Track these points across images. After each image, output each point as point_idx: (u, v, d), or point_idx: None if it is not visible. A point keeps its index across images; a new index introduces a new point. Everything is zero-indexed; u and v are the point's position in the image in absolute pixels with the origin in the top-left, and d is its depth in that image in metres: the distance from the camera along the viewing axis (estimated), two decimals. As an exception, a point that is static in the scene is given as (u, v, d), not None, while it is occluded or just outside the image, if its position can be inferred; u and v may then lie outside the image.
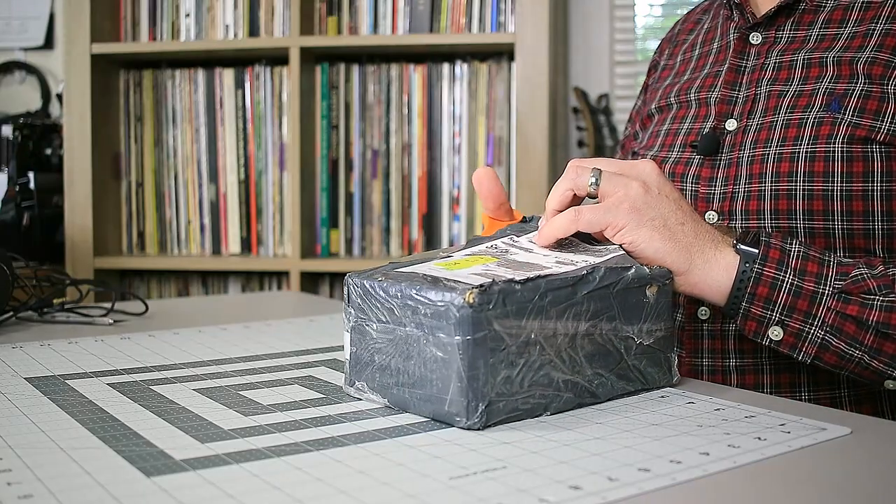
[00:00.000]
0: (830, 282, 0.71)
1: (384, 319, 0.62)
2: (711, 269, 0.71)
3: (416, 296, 0.60)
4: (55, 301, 1.04)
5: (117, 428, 0.58)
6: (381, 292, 0.62)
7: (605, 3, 2.37)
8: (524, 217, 0.79)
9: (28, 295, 1.02)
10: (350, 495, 0.46)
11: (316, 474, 0.49)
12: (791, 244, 0.73)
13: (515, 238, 0.74)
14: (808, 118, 0.84)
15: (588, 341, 0.63)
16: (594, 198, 0.71)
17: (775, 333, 0.72)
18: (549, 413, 0.61)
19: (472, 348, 0.57)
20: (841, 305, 0.71)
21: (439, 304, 0.58)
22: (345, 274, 0.67)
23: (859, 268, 0.72)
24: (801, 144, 0.83)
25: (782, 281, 0.71)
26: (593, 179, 0.70)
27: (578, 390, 0.63)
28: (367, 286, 0.63)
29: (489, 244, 0.73)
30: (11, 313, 0.99)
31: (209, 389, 0.69)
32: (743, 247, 0.72)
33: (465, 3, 2.12)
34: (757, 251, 0.72)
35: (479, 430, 0.58)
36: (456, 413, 0.58)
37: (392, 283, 0.62)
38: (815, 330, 0.71)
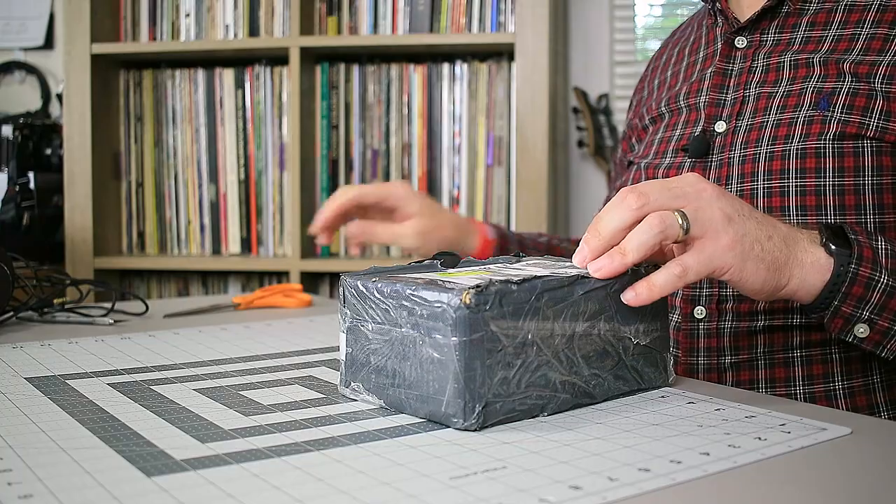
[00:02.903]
0: None
1: (380, 320, 0.62)
2: (807, 274, 0.69)
3: (412, 296, 0.60)
4: (55, 301, 1.04)
5: (117, 428, 0.58)
6: (376, 293, 0.62)
7: (605, 3, 2.37)
8: (517, 253, 0.78)
9: (28, 295, 1.02)
10: (350, 495, 0.46)
11: (316, 474, 0.49)
12: (878, 241, 0.72)
13: (509, 264, 0.73)
14: (798, 117, 0.85)
15: (585, 342, 0.63)
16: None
17: (861, 331, 0.71)
18: (546, 414, 0.61)
19: (469, 349, 0.57)
20: None
21: (436, 304, 0.58)
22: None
23: None
24: (791, 142, 0.85)
25: (877, 281, 0.70)
26: (684, 225, 0.63)
27: (575, 391, 0.63)
28: (363, 287, 0.63)
29: (485, 267, 0.72)
30: (11, 313, 0.99)
31: (209, 389, 0.69)
32: (835, 246, 0.70)
33: (465, 3, 2.12)
34: (849, 251, 0.70)
35: (475, 431, 0.58)
36: (453, 414, 0.58)
37: (387, 283, 0.62)
38: None
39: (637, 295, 0.63)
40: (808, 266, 0.69)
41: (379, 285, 0.62)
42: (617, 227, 0.63)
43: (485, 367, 0.57)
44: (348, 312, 0.65)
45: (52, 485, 0.47)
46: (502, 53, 2.13)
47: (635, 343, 0.66)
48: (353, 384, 0.65)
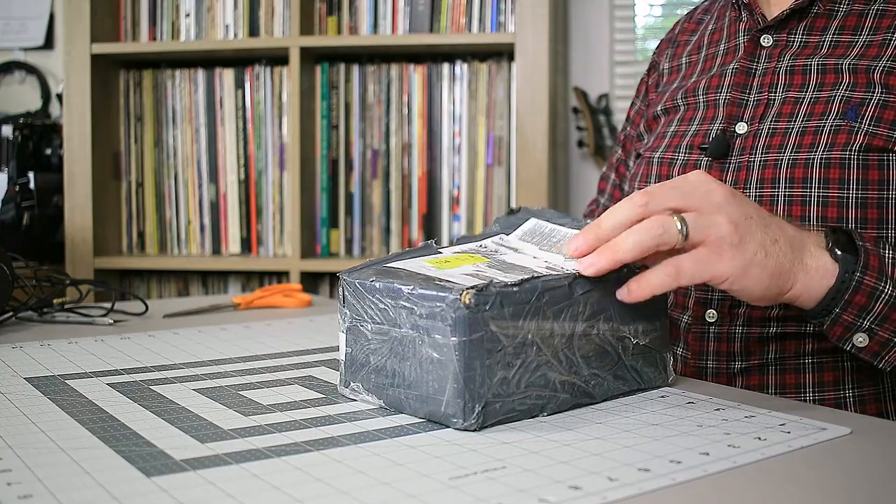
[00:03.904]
0: None
1: (379, 320, 0.62)
2: (812, 278, 0.68)
3: (411, 296, 0.59)
4: (55, 301, 1.04)
5: (117, 428, 0.58)
6: (375, 293, 0.62)
7: (605, 3, 2.37)
8: (510, 209, 0.78)
9: (28, 295, 1.02)
10: (350, 495, 0.46)
11: (316, 474, 0.49)
12: (885, 250, 0.70)
13: (504, 237, 0.73)
14: (824, 126, 0.84)
15: (585, 342, 0.63)
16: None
17: (860, 340, 0.70)
18: (545, 414, 0.61)
19: (469, 349, 0.57)
20: None
21: (435, 305, 0.58)
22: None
23: None
24: (816, 151, 0.83)
25: (881, 291, 0.69)
26: (683, 230, 0.62)
27: (575, 391, 0.63)
28: (361, 286, 0.63)
29: (478, 243, 0.73)
30: (11, 313, 0.99)
31: (209, 389, 0.69)
32: (840, 252, 0.69)
33: (465, 3, 2.12)
34: (856, 258, 0.68)
35: (475, 431, 0.58)
36: (452, 414, 0.58)
37: (386, 283, 0.62)
38: None
39: (630, 292, 0.63)
40: (813, 271, 0.68)
41: (378, 285, 0.62)
42: (618, 223, 0.63)
43: (484, 367, 0.57)
44: (347, 312, 0.65)
45: (52, 485, 0.47)
46: (502, 53, 2.13)
47: (634, 343, 0.66)
48: (352, 384, 0.65)
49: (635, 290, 0.62)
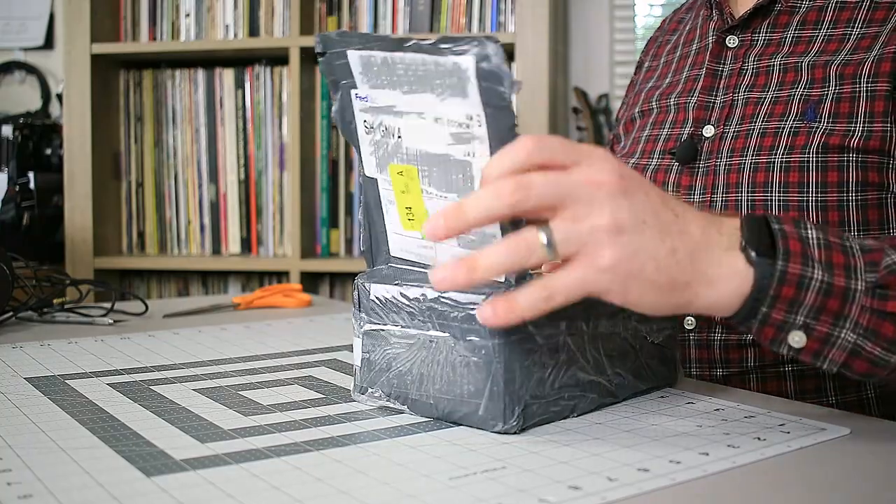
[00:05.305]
0: (861, 275, 0.57)
1: (403, 323, 0.61)
2: (721, 287, 0.56)
3: (441, 299, 0.58)
4: (55, 301, 1.04)
5: (117, 428, 0.58)
6: (399, 297, 0.61)
7: (605, 3, 2.37)
8: (317, 52, 0.65)
9: (28, 295, 1.02)
10: (350, 495, 0.46)
11: (316, 474, 0.49)
12: (807, 230, 0.58)
13: (362, 94, 0.60)
14: (783, 127, 0.83)
15: (608, 340, 0.63)
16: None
17: (796, 340, 0.58)
18: (576, 415, 0.61)
19: (509, 351, 0.56)
20: (878, 303, 0.56)
21: (470, 307, 0.57)
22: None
23: (888, 254, 0.58)
24: (776, 154, 0.83)
25: (810, 278, 0.56)
26: (549, 245, 0.52)
27: (601, 390, 0.63)
28: (383, 291, 0.62)
29: (364, 122, 0.61)
30: (11, 313, 0.99)
31: (209, 389, 0.69)
32: (756, 254, 0.56)
33: (465, 3, 2.12)
34: (773, 253, 0.57)
35: (514, 434, 0.57)
36: (491, 417, 0.57)
37: (410, 286, 0.60)
38: (845, 333, 0.57)
39: (495, 314, 0.53)
40: (720, 282, 0.56)
41: (402, 289, 0.61)
42: (482, 216, 0.53)
43: (523, 368, 0.57)
44: (364, 316, 0.63)
45: (52, 485, 0.47)
46: (502, 53, 2.13)
47: (650, 341, 0.66)
48: (370, 389, 0.64)
49: (502, 314, 0.53)
